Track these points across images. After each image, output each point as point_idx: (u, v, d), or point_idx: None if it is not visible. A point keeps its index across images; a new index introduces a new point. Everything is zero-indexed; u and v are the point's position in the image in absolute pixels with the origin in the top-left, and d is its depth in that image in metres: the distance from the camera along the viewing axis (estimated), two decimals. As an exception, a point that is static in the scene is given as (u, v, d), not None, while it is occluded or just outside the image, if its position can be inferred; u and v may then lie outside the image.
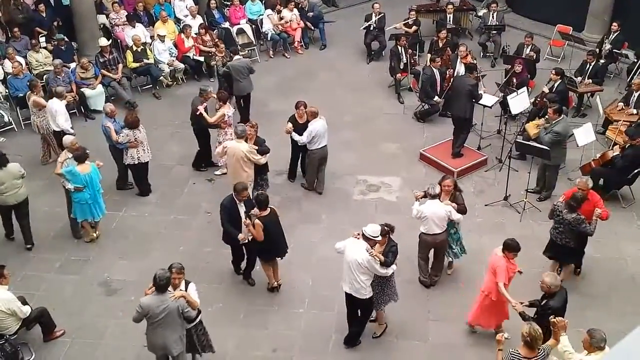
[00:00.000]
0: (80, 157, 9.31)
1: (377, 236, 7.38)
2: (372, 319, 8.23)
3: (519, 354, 6.25)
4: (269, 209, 8.33)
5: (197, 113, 10.83)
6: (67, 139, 9.70)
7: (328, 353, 8.04)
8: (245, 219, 8.36)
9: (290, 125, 10.40)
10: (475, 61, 13.29)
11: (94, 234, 9.84)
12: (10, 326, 7.65)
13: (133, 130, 10.24)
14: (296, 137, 10.39)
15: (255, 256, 8.85)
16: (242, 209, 8.48)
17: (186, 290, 7.02)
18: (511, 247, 7.58)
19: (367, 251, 7.29)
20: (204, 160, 11.49)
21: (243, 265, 9.17)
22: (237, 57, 12.63)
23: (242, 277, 9.18)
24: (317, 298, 8.82)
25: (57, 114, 10.98)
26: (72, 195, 9.39)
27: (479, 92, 11.55)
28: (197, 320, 7.29)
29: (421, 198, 8.58)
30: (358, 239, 7.46)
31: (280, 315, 8.62)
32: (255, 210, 8.28)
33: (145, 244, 9.82)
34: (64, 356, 8.01)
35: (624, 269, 9.28)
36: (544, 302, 7.22)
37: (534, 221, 10.18)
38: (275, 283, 8.92)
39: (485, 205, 10.61)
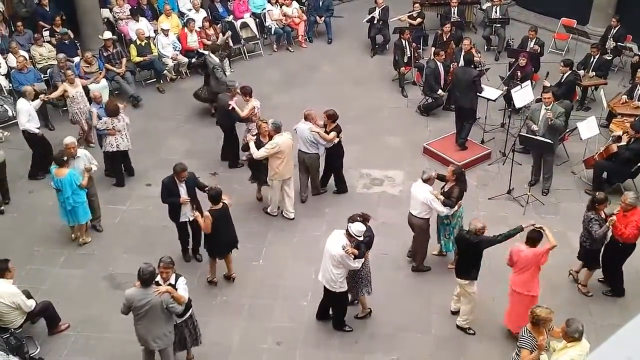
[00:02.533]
0: (58, 160, 9.21)
1: (360, 236, 7.41)
2: (355, 303, 8.34)
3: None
4: (221, 204, 8.40)
5: (230, 108, 10.73)
6: (66, 140, 9.61)
7: (332, 346, 8.07)
8: (194, 212, 8.70)
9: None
10: (479, 55, 13.27)
11: (73, 235, 9.70)
12: (15, 320, 7.69)
13: (112, 119, 10.30)
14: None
15: (200, 233, 8.94)
16: (182, 189, 8.74)
17: (175, 283, 7.00)
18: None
19: (343, 249, 7.34)
20: (233, 156, 11.39)
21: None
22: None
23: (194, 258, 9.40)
24: (321, 291, 8.80)
25: (19, 113, 10.95)
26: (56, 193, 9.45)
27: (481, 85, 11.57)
28: (187, 314, 7.30)
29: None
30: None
31: (284, 308, 8.65)
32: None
33: (149, 237, 9.85)
34: (68, 350, 8.06)
35: (629, 263, 9.23)
36: None
37: (538, 214, 10.17)
38: (215, 278, 9.00)
39: (489, 198, 10.61)
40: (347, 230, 7.44)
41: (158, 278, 6.98)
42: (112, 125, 10.36)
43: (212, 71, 12.25)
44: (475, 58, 12.92)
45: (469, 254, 7.79)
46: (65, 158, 9.26)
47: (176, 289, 6.94)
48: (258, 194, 10.62)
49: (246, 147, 10.21)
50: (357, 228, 7.40)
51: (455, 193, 8.61)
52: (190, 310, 7.37)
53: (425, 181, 8.59)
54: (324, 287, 7.89)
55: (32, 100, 11.03)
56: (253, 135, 9.98)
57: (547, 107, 10.24)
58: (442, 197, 8.23)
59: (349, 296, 8.17)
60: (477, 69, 11.83)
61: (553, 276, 8.95)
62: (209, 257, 8.93)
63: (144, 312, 6.83)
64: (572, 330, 6.19)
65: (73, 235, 9.75)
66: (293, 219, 10.18)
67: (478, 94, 11.51)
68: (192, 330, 7.49)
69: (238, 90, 11.18)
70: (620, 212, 8.22)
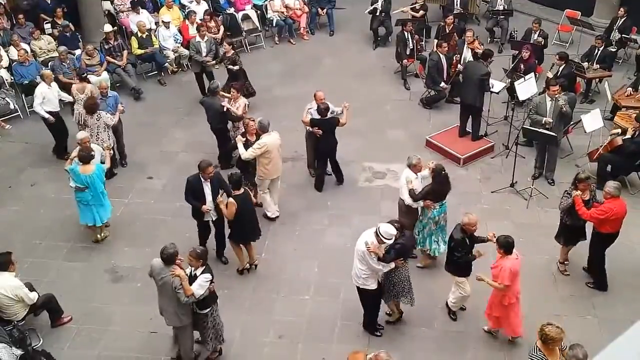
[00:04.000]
0: (84, 157, 9.00)
1: (390, 239, 7.19)
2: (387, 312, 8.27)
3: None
4: (242, 189, 8.40)
5: (225, 110, 10.55)
6: (79, 135, 9.50)
7: (334, 340, 8.05)
8: (219, 196, 8.57)
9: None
10: (482, 47, 13.18)
11: (98, 235, 9.60)
12: (18, 312, 7.69)
13: (89, 114, 10.23)
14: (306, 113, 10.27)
15: (223, 236, 8.94)
16: (207, 188, 8.60)
17: (198, 275, 7.06)
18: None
19: (366, 245, 7.21)
20: (226, 157, 11.21)
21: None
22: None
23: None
24: (323, 285, 8.82)
25: (34, 96, 11.04)
26: (75, 194, 9.21)
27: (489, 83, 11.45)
28: (207, 310, 7.30)
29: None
30: None
31: (286, 302, 8.63)
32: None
33: (151, 231, 9.83)
34: (71, 342, 8.06)
35: (632, 256, 9.23)
36: None
37: (541, 208, 10.14)
38: (248, 265, 9.03)
39: (492, 192, 10.57)
40: (376, 230, 7.27)
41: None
42: (84, 119, 10.27)
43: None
44: (478, 50, 12.87)
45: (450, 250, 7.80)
46: (93, 153, 9.16)
47: (194, 280, 7.03)
48: (254, 198, 10.46)
49: (234, 147, 10.10)
50: (385, 229, 7.18)
51: (425, 187, 8.50)
52: (210, 309, 7.33)
53: (409, 166, 8.62)
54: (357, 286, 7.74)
55: (50, 85, 11.11)
56: (242, 136, 9.90)
57: (556, 98, 10.18)
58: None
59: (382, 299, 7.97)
60: (487, 61, 11.68)
61: (555, 271, 8.94)
62: (233, 247, 8.88)
63: (160, 285, 7.12)
64: (569, 355, 5.78)
65: (99, 236, 9.57)
66: (276, 217, 10.03)
67: (485, 92, 11.39)
68: (204, 330, 7.46)
69: (221, 91, 11.03)
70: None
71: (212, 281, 7.15)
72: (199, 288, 7.01)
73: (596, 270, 8.65)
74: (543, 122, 10.25)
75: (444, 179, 8.52)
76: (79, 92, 11.14)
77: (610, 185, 8.10)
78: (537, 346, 6.20)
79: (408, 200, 8.56)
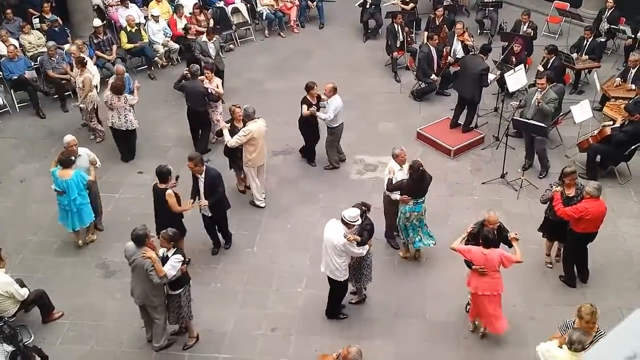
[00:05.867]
0: (63, 161, 8.85)
1: (356, 221, 7.39)
2: (352, 291, 8.38)
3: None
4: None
5: (210, 91, 10.72)
6: (66, 138, 9.34)
7: (327, 331, 8.08)
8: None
9: (313, 108, 10.24)
10: (472, 39, 13.22)
11: (80, 241, 9.42)
12: (8, 308, 7.67)
13: (113, 95, 10.59)
14: (322, 115, 10.34)
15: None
16: (201, 183, 8.66)
17: (169, 257, 7.22)
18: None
19: (345, 237, 7.32)
20: (206, 142, 11.34)
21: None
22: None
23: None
24: (316, 277, 8.81)
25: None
26: (56, 195, 9.07)
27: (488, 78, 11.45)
28: (179, 291, 7.43)
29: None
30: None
31: (279, 295, 8.65)
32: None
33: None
34: (62, 337, 8.04)
35: (621, 246, 9.30)
36: None
37: (531, 199, 10.18)
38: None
39: (482, 183, 10.60)
40: (342, 219, 7.41)
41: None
42: (112, 101, 10.62)
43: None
44: (468, 42, 12.89)
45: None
46: (73, 158, 9.00)
47: (166, 262, 7.17)
48: (239, 185, 10.46)
49: (220, 133, 10.12)
50: (349, 214, 7.37)
51: (402, 184, 8.54)
52: (184, 289, 7.46)
53: (393, 157, 8.70)
54: (328, 277, 7.83)
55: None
56: (227, 122, 9.91)
57: (541, 91, 10.22)
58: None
59: (349, 285, 8.14)
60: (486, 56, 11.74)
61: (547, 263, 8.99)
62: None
63: (133, 267, 7.29)
64: (575, 340, 5.88)
65: (80, 242, 9.44)
66: (264, 207, 10.11)
67: (484, 86, 11.38)
68: (183, 307, 7.54)
69: (191, 71, 10.92)
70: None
71: (184, 262, 7.34)
72: (171, 269, 7.14)
73: (568, 267, 8.61)
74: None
75: (420, 176, 8.47)
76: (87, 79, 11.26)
77: (591, 185, 8.01)
78: (574, 320, 6.41)
79: (385, 189, 8.66)
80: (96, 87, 11.63)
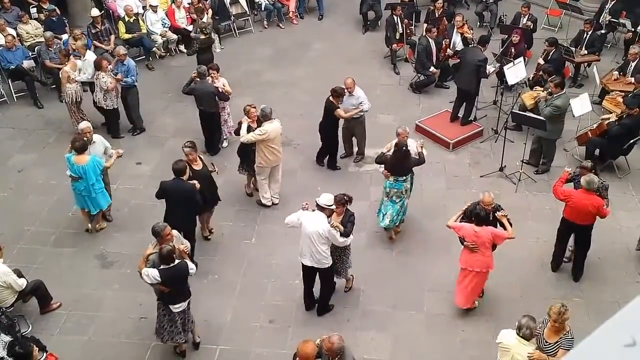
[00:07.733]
0: (78, 147, 8.81)
1: (332, 204, 7.54)
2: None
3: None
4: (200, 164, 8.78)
5: (221, 90, 10.56)
6: (81, 125, 9.38)
7: (324, 323, 8.08)
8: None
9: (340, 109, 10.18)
10: (471, 31, 13.17)
11: (89, 225, 9.45)
12: (6, 299, 7.68)
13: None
14: (365, 107, 10.44)
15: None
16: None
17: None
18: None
19: (329, 223, 7.45)
20: (217, 142, 11.22)
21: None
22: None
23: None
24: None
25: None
26: (70, 182, 9.06)
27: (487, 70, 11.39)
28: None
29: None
30: (306, 209, 7.68)
31: (276, 287, 8.66)
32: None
33: (139, 216, 9.77)
34: (60, 328, 8.04)
35: (619, 239, 9.31)
36: None
37: (530, 192, 10.19)
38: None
39: (481, 176, 10.60)
40: (317, 205, 7.58)
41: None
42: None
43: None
44: (467, 35, 12.85)
45: None
46: (88, 143, 9.00)
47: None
48: (247, 188, 10.33)
49: (238, 132, 10.01)
50: (325, 200, 7.56)
51: (385, 159, 8.82)
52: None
53: (396, 134, 8.81)
54: (309, 270, 7.89)
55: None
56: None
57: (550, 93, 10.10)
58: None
59: (335, 278, 8.21)
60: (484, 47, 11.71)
61: (544, 254, 8.98)
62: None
63: None
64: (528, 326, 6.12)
65: (90, 226, 9.44)
66: (275, 204, 10.04)
67: (482, 78, 11.34)
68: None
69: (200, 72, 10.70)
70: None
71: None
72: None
73: (555, 248, 8.71)
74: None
75: (402, 155, 8.69)
76: (72, 70, 11.10)
77: (586, 177, 8.00)
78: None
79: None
80: (88, 81, 11.45)
